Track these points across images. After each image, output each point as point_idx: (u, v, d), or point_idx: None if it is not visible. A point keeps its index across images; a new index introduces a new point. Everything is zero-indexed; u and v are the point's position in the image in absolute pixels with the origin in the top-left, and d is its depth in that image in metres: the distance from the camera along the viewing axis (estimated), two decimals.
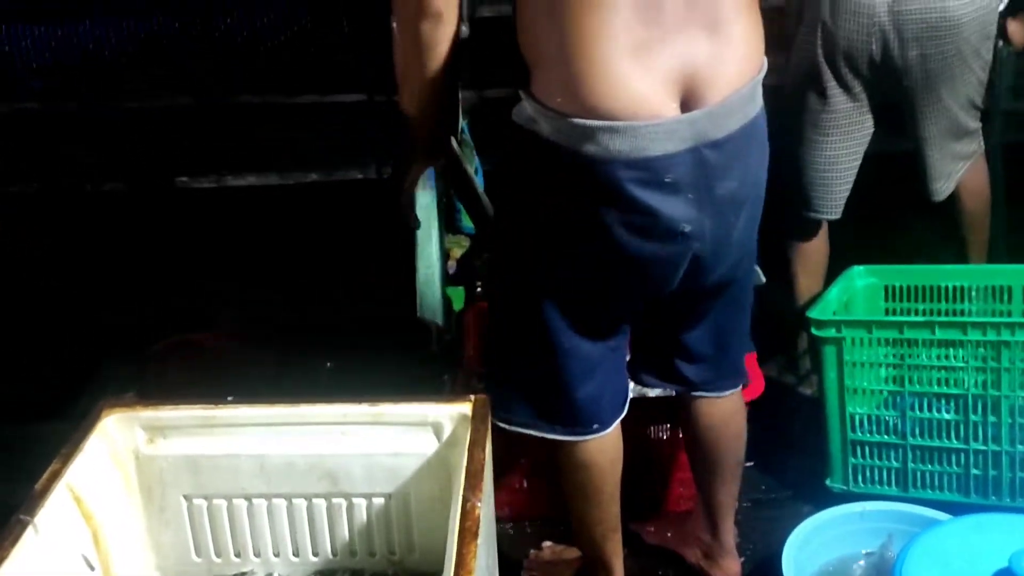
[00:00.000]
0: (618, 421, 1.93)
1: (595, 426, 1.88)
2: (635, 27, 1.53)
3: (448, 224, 2.66)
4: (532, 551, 2.16)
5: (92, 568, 1.58)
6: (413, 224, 2.02)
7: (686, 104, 1.59)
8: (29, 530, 1.44)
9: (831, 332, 2.34)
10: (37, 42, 2.84)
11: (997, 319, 2.41)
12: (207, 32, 2.95)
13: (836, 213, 2.73)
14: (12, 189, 3.41)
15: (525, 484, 2.30)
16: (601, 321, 1.79)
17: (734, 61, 1.62)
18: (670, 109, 1.58)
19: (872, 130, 2.66)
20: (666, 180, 1.59)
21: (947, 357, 2.27)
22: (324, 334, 2.78)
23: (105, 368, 2.84)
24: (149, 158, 3.68)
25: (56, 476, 1.54)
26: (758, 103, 1.70)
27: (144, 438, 1.70)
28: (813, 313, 2.40)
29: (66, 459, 1.57)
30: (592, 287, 1.73)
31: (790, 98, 2.62)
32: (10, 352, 3.04)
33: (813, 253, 2.78)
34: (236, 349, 2.23)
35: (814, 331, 2.36)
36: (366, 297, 2.76)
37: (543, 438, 1.89)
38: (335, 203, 3.34)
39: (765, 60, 1.70)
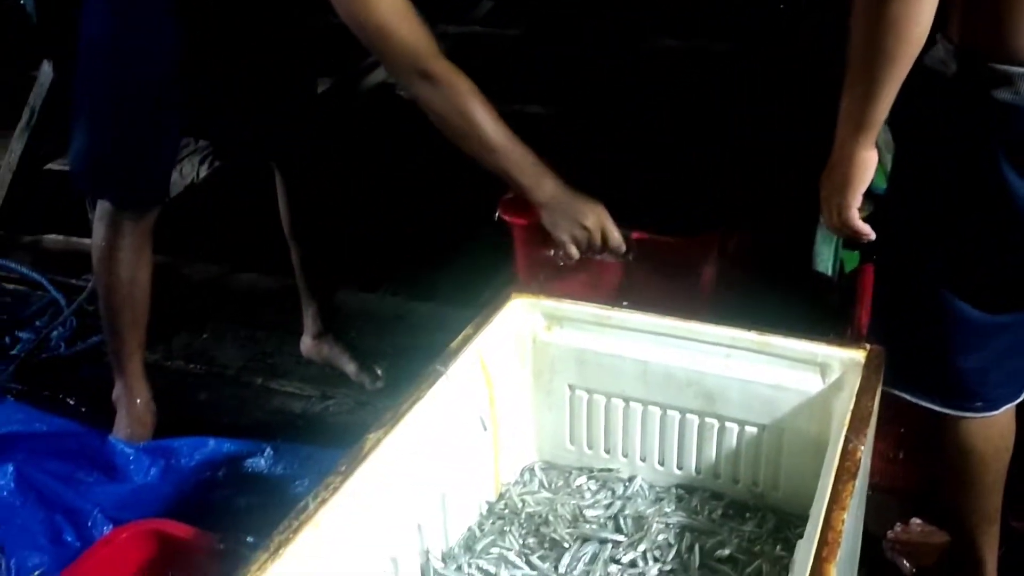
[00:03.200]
0: (1010, 406, 1.78)
1: (977, 403, 1.75)
2: None
3: None
4: (899, 525, 2.06)
5: (485, 429, 1.74)
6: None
7: None
8: (443, 379, 1.62)
9: None
10: None
11: None
12: None
13: None
14: None
15: (901, 455, 2.20)
16: (991, 290, 1.65)
17: None
18: None
19: None
20: None
21: None
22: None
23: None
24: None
25: (468, 340, 1.70)
26: None
27: (543, 325, 1.83)
28: None
29: (477, 327, 1.74)
30: (982, 248, 1.61)
31: None
32: (434, 243, 3.38)
33: None
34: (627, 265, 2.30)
35: None
36: (763, 244, 2.73)
37: (923, 409, 1.79)
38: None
39: None
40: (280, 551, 1.28)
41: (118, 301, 2.37)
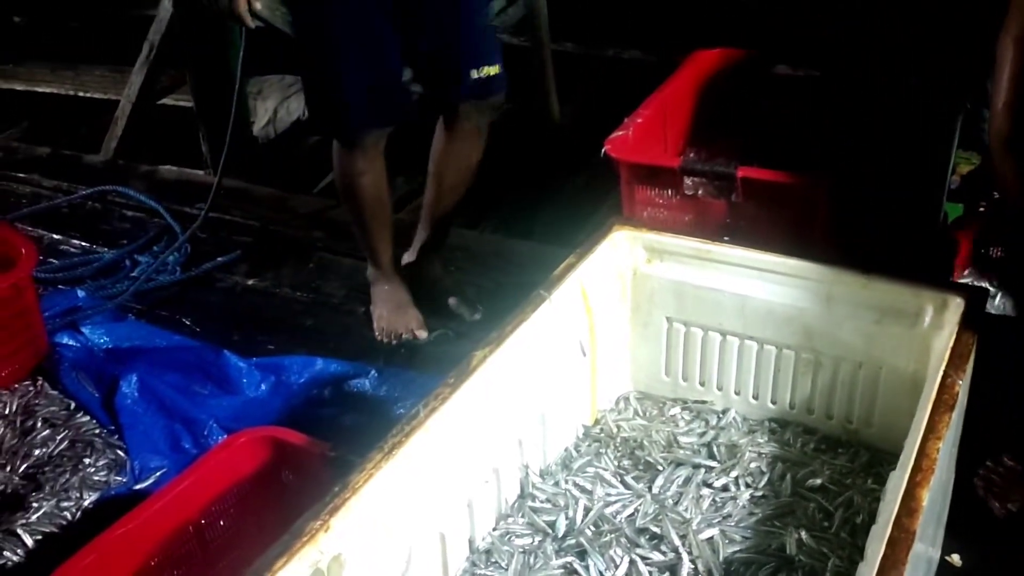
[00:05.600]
0: None
1: None
2: None
3: (964, 138, 2.56)
4: (989, 462, 2.06)
5: (584, 354, 1.80)
6: None
7: None
8: (546, 304, 1.68)
9: None
10: None
11: None
12: None
13: None
14: None
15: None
16: None
17: None
18: None
19: None
20: None
21: None
22: None
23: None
24: None
25: (570, 268, 1.76)
26: None
27: (644, 257, 1.87)
28: None
29: (580, 257, 1.79)
30: None
31: None
32: (533, 182, 3.41)
33: None
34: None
35: None
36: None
37: None
38: None
39: None
40: (394, 452, 1.36)
41: (363, 217, 2.58)
